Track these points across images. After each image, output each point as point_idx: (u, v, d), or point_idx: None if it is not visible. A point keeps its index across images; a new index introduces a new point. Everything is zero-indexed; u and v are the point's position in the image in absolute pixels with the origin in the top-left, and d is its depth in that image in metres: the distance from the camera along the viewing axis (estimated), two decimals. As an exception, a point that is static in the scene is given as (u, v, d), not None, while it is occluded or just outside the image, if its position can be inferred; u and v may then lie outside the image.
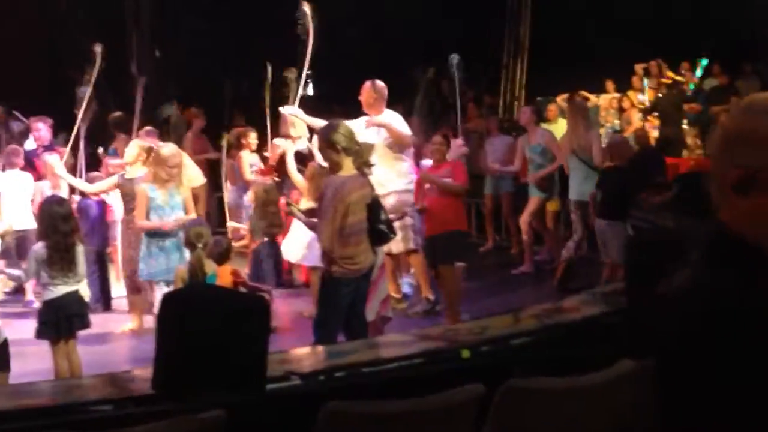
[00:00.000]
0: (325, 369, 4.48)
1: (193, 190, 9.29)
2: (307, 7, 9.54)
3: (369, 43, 16.57)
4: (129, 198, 8.92)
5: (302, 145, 9.81)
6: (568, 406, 3.44)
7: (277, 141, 10.12)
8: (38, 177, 10.74)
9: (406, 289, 9.75)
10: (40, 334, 6.99)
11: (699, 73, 15.82)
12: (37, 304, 9.64)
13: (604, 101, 15.54)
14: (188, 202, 8.40)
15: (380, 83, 9.17)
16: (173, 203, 8.24)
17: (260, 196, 9.01)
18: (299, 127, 9.85)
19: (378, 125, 8.83)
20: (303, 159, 9.49)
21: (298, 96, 9.50)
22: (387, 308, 7.66)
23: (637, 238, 6.88)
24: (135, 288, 8.93)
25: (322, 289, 6.85)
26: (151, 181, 8.27)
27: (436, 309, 9.09)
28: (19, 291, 10.01)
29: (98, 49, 9.67)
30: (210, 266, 7.05)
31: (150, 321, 9.06)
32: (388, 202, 8.33)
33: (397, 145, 8.99)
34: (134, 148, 9.13)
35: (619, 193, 9.06)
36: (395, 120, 9.06)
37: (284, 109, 9.40)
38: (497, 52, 18.14)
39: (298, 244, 8.98)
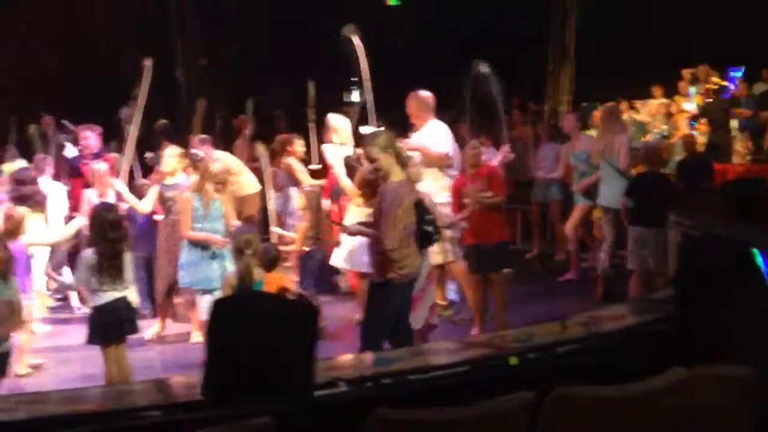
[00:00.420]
0: (372, 376, 4.45)
1: (248, 197, 9.34)
2: (352, 34, 9.56)
3: (414, 53, 16.57)
4: (169, 205, 9.02)
5: (347, 151, 9.84)
6: (618, 415, 3.41)
7: (325, 147, 10.15)
8: (85, 185, 10.90)
9: (451, 296, 9.74)
10: (91, 339, 7.09)
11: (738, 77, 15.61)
12: (84, 310, 9.82)
13: (651, 107, 15.41)
14: (228, 212, 8.44)
15: (424, 93, 9.16)
16: (215, 214, 8.29)
17: (308, 202, 9.02)
18: (341, 134, 9.88)
19: (412, 149, 8.77)
20: (349, 166, 9.53)
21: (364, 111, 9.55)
22: (433, 316, 7.65)
23: (688, 245, 6.78)
24: (168, 293, 9.02)
25: (371, 296, 6.85)
26: (197, 192, 8.31)
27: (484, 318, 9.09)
28: (66, 298, 10.10)
29: (148, 63, 9.68)
30: (258, 273, 7.10)
31: (174, 326, 9.29)
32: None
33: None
34: (172, 156, 9.22)
35: (658, 199, 8.90)
36: (433, 136, 9.00)
37: (365, 129, 9.40)
38: (543, 60, 18.05)
39: (346, 251, 9.00)
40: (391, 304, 6.68)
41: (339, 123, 10.06)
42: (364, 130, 9.27)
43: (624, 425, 3.42)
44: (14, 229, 8.15)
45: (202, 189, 8.35)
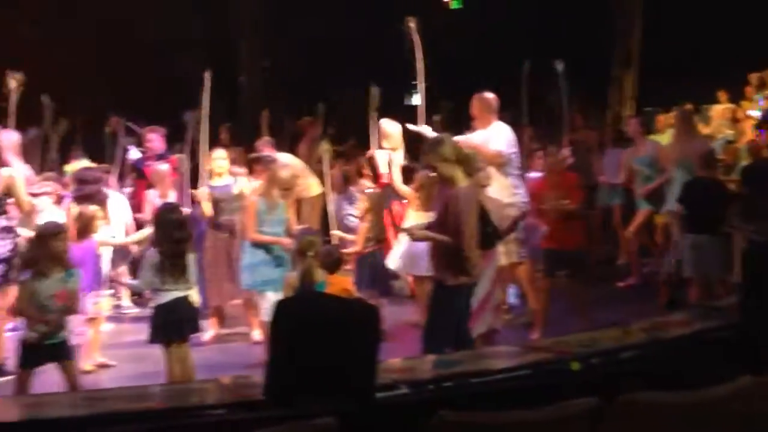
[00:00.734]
0: (433, 379, 4.46)
1: (311, 199, 9.38)
2: (412, 23, 9.60)
3: (474, 56, 16.58)
4: (221, 207, 9.14)
5: (399, 156, 9.88)
6: (683, 422, 3.37)
7: (378, 153, 10.16)
8: (148, 186, 11.01)
9: (511, 300, 9.70)
10: (153, 338, 7.14)
11: None
12: (134, 311, 9.88)
13: (717, 112, 15.19)
14: (292, 216, 8.50)
15: (487, 96, 9.12)
16: (278, 218, 8.37)
17: (369, 205, 9.04)
18: (392, 139, 9.92)
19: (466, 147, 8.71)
20: (405, 170, 9.55)
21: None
22: (497, 320, 7.63)
23: (753, 251, 6.68)
24: (222, 297, 9.16)
25: (435, 299, 6.83)
26: (263, 195, 8.37)
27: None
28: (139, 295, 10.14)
29: (208, 75, 9.72)
30: (320, 275, 7.12)
31: (234, 327, 9.40)
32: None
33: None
34: (221, 158, 9.34)
35: (713, 205, 8.72)
36: (492, 137, 8.95)
37: (413, 127, 9.42)
38: (607, 64, 17.94)
39: (404, 254, 8.97)
40: (456, 307, 6.68)
41: (391, 129, 10.08)
42: (412, 128, 9.33)
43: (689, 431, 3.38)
44: (85, 227, 8.29)
45: (268, 193, 8.40)
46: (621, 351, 4.93)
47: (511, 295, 9.70)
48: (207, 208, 9.34)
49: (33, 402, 4.95)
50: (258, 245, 8.31)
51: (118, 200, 10.11)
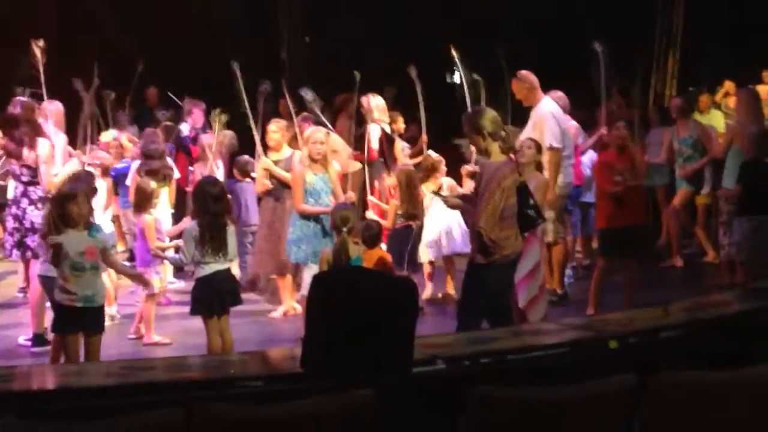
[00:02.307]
0: (470, 354, 4.43)
1: (350, 175, 9.34)
2: None
3: (519, 38, 16.46)
4: (274, 181, 9.11)
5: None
6: (725, 400, 3.33)
7: (371, 127, 10.13)
8: (191, 161, 11.10)
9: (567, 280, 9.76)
10: (193, 310, 7.16)
11: None
12: (176, 284, 9.92)
13: (763, 92, 14.95)
14: (337, 186, 8.48)
15: (523, 73, 9.10)
16: (325, 187, 8.35)
17: (402, 181, 9.01)
18: (381, 112, 10.15)
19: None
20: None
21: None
22: (542, 297, 7.60)
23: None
24: (280, 270, 9.11)
25: (469, 275, 6.79)
26: (307, 165, 8.36)
27: (562, 302, 9.15)
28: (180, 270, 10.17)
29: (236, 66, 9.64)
30: (355, 249, 7.14)
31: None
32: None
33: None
34: (276, 131, 9.30)
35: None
36: (543, 123, 8.89)
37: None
38: (648, 43, 17.72)
39: (436, 232, 9.15)
40: (490, 284, 6.63)
41: (377, 102, 10.23)
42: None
43: (730, 410, 3.33)
44: (143, 201, 8.37)
45: (309, 160, 8.38)
46: (661, 330, 4.87)
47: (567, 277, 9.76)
48: (260, 182, 9.31)
49: (71, 371, 5.02)
50: (306, 217, 8.28)
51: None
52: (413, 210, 8.92)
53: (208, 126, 11.26)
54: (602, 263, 8.80)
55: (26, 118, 8.35)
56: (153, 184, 8.63)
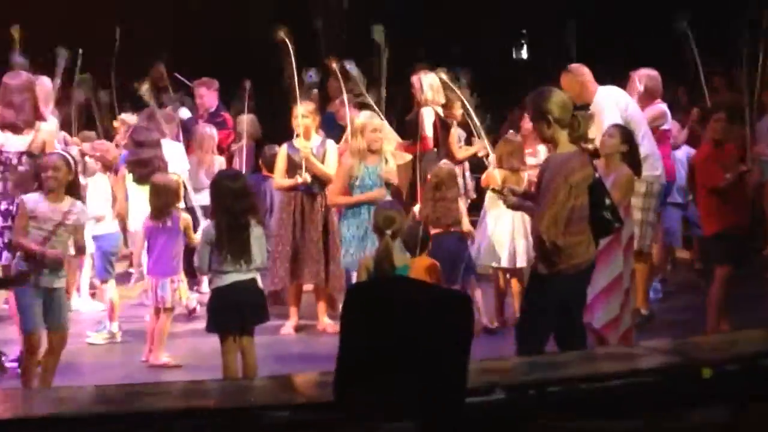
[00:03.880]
0: (534, 382, 4.42)
1: (400, 167, 9.35)
2: None
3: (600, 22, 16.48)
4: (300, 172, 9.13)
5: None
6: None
7: (425, 110, 10.18)
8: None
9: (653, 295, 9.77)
10: (209, 326, 7.22)
11: None
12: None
13: None
14: (392, 177, 8.55)
15: (574, 66, 9.17)
16: (378, 181, 8.45)
17: (433, 180, 8.97)
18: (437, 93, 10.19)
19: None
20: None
21: None
22: (623, 317, 7.59)
23: None
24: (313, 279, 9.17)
25: (529, 289, 6.80)
26: (360, 157, 8.44)
27: (648, 324, 9.06)
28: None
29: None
30: (401, 257, 7.08)
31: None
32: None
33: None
34: (305, 116, 9.33)
35: None
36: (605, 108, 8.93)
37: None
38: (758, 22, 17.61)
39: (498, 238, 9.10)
40: (555, 299, 6.51)
41: (431, 81, 10.25)
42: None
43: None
44: (164, 202, 8.39)
45: (355, 150, 8.43)
46: (763, 357, 4.76)
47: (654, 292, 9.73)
48: (280, 174, 9.36)
49: (63, 395, 5.01)
50: (358, 214, 8.38)
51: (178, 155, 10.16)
52: (435, 214, 8.83)
53: (224, 108, 11.34)
54: (724, 271, 8.69)
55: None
56: (174, 176, 8.65)
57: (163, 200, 8.38)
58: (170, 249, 8.30)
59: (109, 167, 9.51)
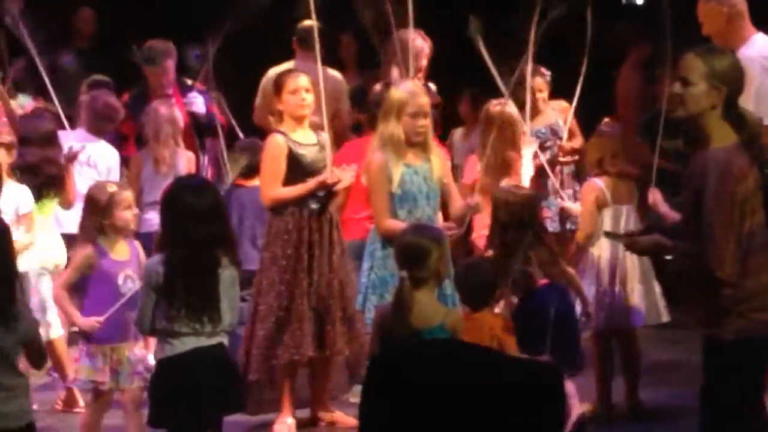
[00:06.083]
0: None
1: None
2: None
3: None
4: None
5: None
6: None
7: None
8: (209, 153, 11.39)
9: None
10: (153, 418, 6.66)
11: None
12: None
13: None
14: (450, 184, 8.18)
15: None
16: (425, 188, 7.91)
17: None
18: None
19: None
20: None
21: None
22: None
23: None
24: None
25: (710, 366, 6.11)
26: (395, 152, 7.89)
27: None
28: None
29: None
30: (434, 309, 6.52)
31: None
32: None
33: None
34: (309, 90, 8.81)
35: None
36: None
37: None
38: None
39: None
40: (754, 372, 6.00)
41: None
42: None
43: None
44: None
45: (393, 144, 7.84)
46: None
47: None
48: (275, 180, 8.66)
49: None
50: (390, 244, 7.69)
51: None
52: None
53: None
54: None
55: None
56: (112, 187, 7.98)
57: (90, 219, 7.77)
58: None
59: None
